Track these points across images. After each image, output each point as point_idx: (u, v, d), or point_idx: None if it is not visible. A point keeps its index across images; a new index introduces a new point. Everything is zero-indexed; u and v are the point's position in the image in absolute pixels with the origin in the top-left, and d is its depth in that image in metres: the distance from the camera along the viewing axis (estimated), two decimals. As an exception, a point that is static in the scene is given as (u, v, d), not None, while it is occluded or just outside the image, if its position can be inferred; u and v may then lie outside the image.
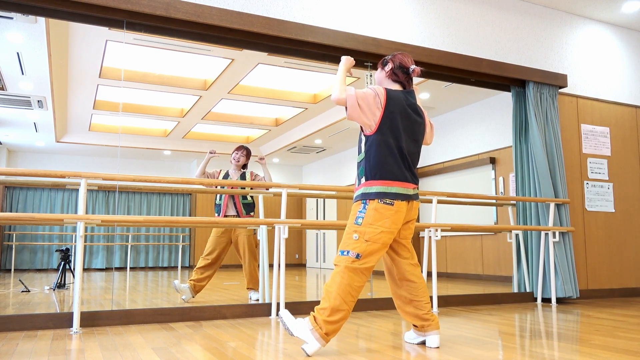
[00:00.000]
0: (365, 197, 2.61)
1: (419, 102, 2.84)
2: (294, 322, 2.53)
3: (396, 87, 2.79)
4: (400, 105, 2.67)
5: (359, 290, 2.57)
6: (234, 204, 4.84)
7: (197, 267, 4.69)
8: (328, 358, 2.41)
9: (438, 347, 2.66)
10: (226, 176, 4.94)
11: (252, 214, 4.92)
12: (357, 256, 2.54)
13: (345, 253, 2.58)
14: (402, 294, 2.75)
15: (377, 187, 2.59)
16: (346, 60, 2.86)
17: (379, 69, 2.87)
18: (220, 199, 4.85)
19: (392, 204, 2.57)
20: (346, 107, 2.64)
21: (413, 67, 2.78)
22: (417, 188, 2.73)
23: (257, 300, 4.58)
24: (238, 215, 4.82)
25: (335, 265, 2.60)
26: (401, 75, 2.78)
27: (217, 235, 4.78)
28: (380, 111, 2.63)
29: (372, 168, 2.62)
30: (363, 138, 2.70)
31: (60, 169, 3.96)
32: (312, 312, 2.56)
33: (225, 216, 4.81)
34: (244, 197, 4.86)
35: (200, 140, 9.21)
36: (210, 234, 4.86)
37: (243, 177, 4.94)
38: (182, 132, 8.97)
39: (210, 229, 4.94)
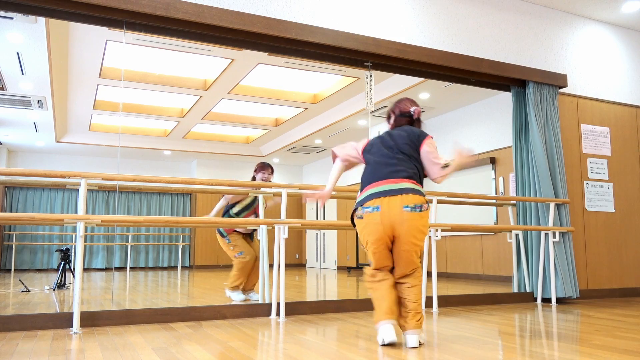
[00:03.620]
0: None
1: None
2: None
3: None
4: None
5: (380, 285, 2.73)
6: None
7: (235, 270, 4.71)
8: (328, 358, 2.41)
9: (415, 347, 2.62)
10: (254, 200, 4.84)
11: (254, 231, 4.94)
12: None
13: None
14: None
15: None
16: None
17: (387, 123, 3.07)
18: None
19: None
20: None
21: (413, 109, 2.93)
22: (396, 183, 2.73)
23: (257, 300, 4.58)
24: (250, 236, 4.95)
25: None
26: (402, 120, 2.94)
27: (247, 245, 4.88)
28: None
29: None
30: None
31: (60, 169, 3.96)
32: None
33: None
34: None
35: (200, 140, 9.21)
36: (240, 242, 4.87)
37: (255, 198, 4.80)
38: (182, 132, 8.97)
39: (209, 229, 4.93)
